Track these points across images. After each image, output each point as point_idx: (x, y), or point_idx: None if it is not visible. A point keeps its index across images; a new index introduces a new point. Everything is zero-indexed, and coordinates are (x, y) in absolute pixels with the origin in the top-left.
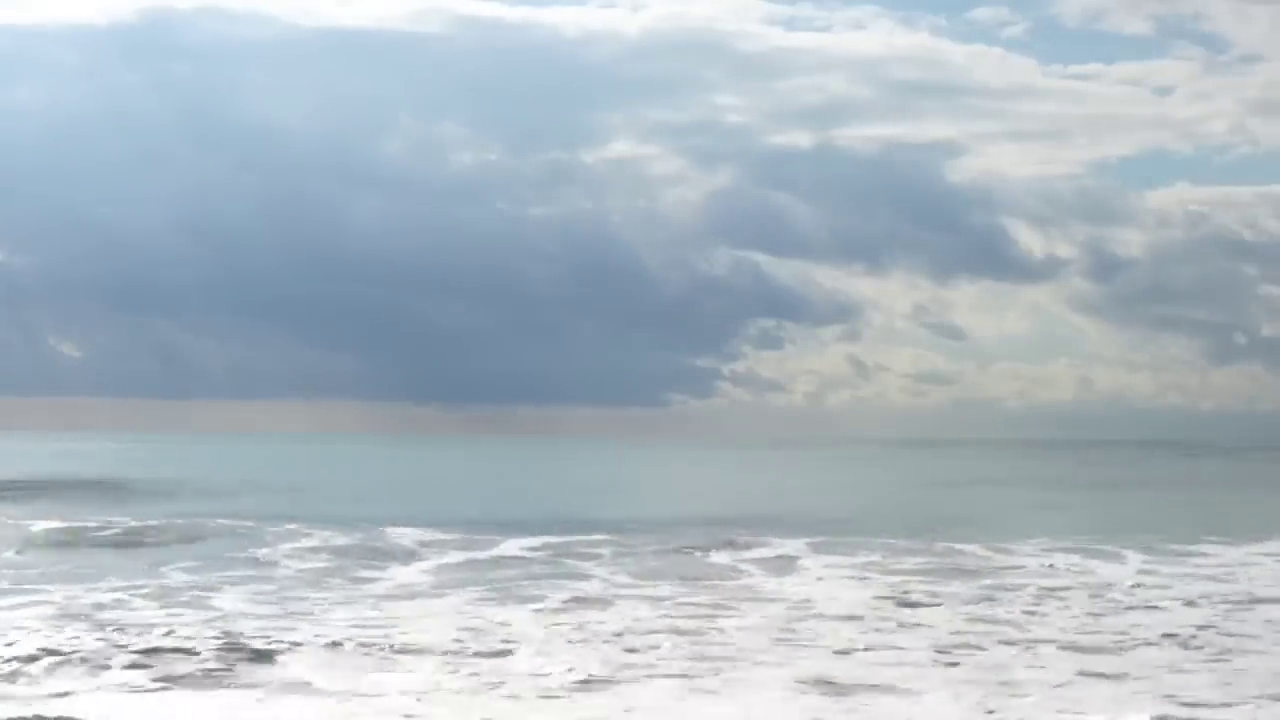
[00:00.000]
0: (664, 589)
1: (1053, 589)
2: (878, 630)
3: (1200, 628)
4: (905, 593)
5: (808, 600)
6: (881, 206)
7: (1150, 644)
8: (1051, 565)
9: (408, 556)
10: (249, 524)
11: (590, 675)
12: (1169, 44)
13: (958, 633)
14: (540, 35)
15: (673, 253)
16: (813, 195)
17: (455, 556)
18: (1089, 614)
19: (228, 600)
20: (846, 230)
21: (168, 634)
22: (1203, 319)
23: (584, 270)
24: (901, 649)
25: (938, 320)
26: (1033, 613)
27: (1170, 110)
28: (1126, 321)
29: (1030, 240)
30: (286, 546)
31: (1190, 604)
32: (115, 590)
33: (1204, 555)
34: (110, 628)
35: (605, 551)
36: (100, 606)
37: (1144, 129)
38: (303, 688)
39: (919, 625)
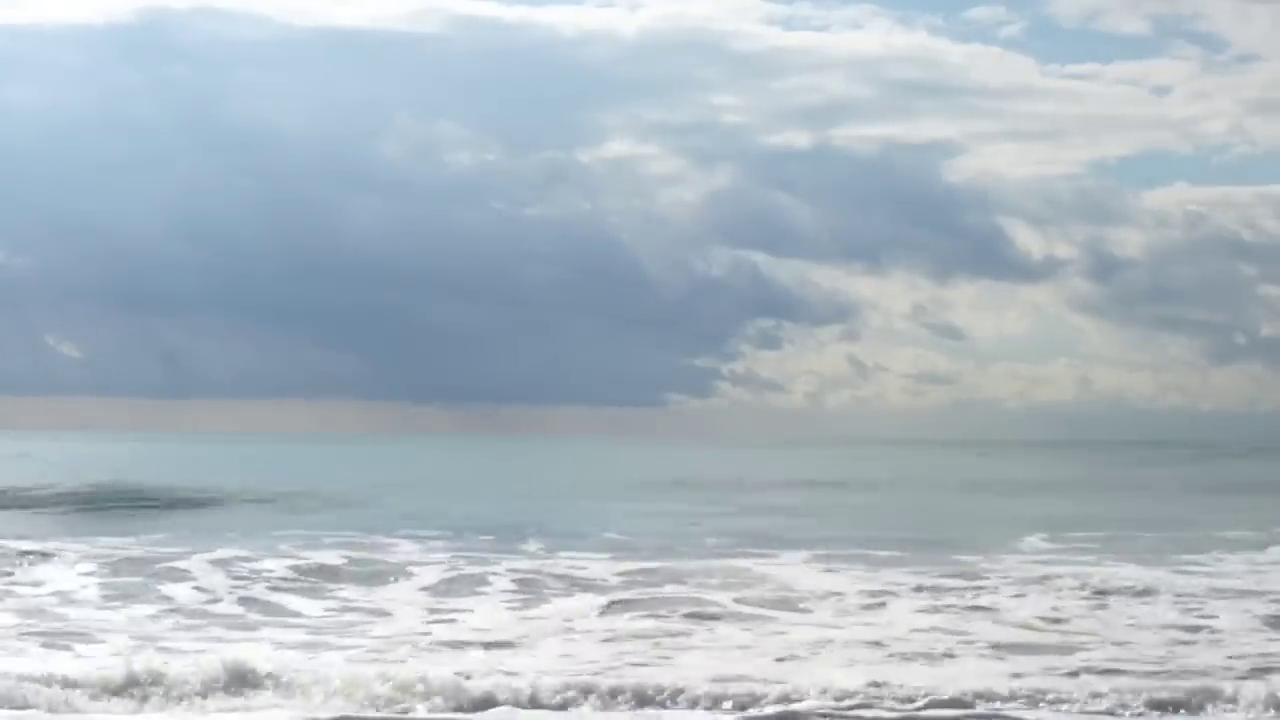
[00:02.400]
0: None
1: (1033, 589)
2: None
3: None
4: (883, 590)
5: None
6: (880, 206)
7: (1118, 643)
8: (1045, 577)
9: None
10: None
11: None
12: (1167, 43)
13: (918, 631)
14: (537, 35)
15: (671, 253)
16: (811, 195)
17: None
18: (1067, 614)
19: None
20: (845, 230)
21: None
22: (1203, 319)
23: (582, 270)
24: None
25: (937, 320)
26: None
27: (1168, 110)
28: (1126, 321)
29: (1029, 240)
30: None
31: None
32: None
33: (1207, 558)
34: None
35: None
36: None
37: (1142, 129)
38: None
39: (885, 623)
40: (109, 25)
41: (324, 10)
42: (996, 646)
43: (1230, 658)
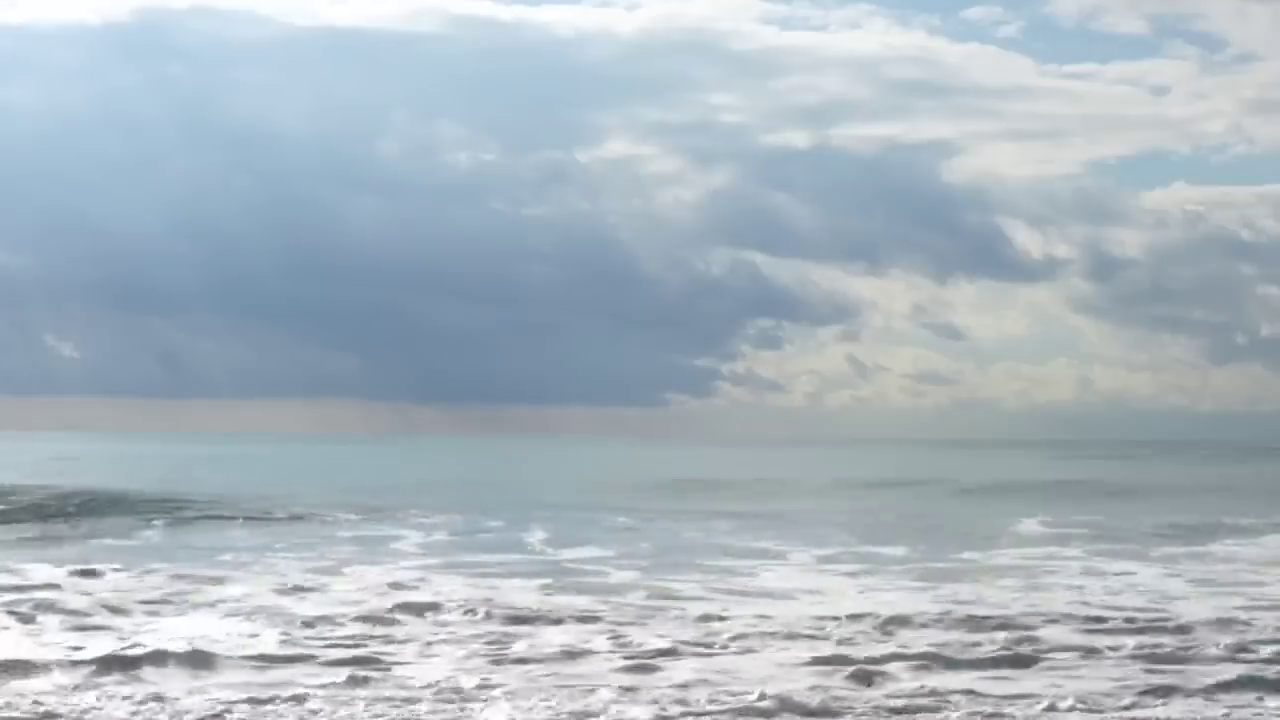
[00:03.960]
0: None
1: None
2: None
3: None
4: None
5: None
6: (879, 206)
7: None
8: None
9: None
10: None
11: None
12: (1165, 43)
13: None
14: (535, 35)
15: (670, 253)
16: (810, 195)
17: None
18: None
19: None
20: (845, 230)
21: None
22: (1203, 319)
23: (582, 270)
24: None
25: (937, 320)
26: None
27: (1167, 110)
28: (1126, 321)
29: (1028, 240)
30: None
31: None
32: None
33: (1186, 551)
34: None
35: None
36: None
37: (1141, 129)
38: None
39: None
40: (107, 25)
41: (322, 10)
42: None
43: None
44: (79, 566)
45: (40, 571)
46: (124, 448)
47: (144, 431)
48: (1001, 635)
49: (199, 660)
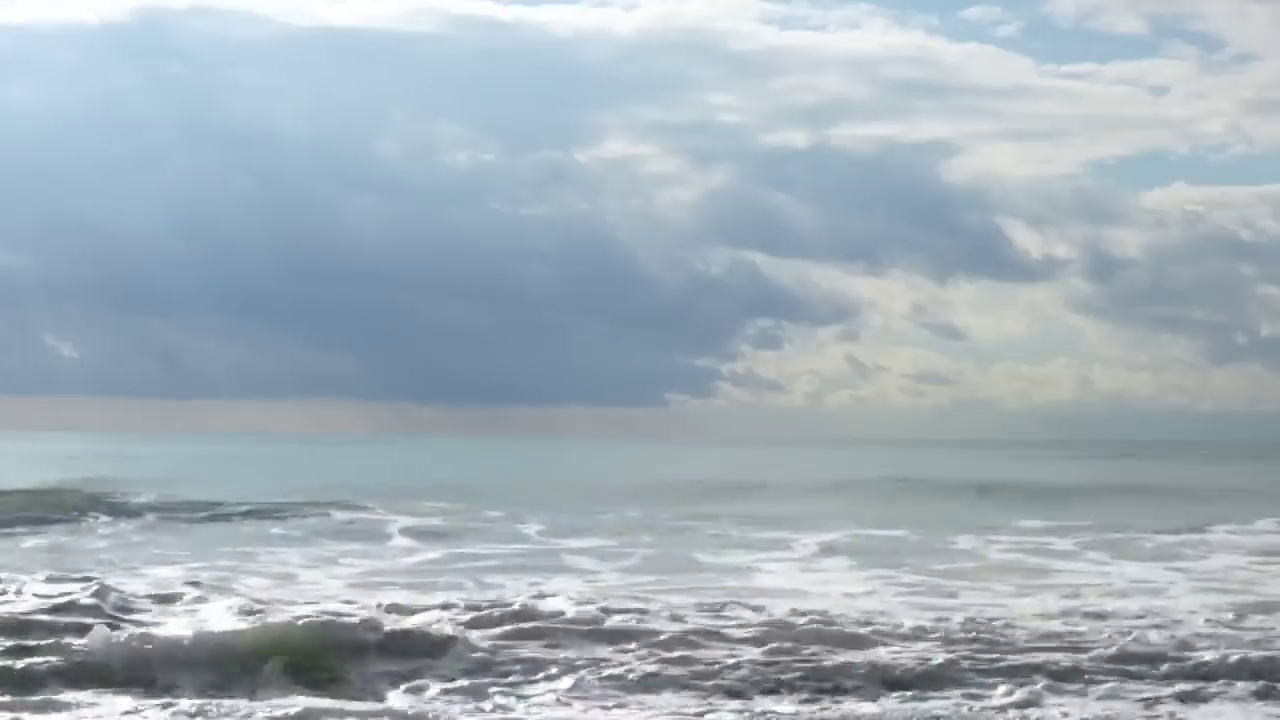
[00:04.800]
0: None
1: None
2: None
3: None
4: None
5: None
6: (879, 206)
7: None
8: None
9: None
10: None
11: None
12: (1163, 43)
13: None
14: (534, 35)
15: (670, 252)
16: (809, 195)
17: None
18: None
19: None
20: (844, 230)
21: None
22: (1202, 319)
23: (581, 270)
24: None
25: (937, 320)
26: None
27: (1166, 110)
28: (1126, 321)
29: (1028, 240)
30: None
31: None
32: None
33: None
34: None
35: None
36: None
37: (1140, 129)
38: None
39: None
40: (106, 25)
41: (321, 10)
42: None
43: None
44: (75, 566)
45: (40, 570)
46: (123, 447)
47: (143, 432)
48: (1006, 638)
49: (203, 650)
